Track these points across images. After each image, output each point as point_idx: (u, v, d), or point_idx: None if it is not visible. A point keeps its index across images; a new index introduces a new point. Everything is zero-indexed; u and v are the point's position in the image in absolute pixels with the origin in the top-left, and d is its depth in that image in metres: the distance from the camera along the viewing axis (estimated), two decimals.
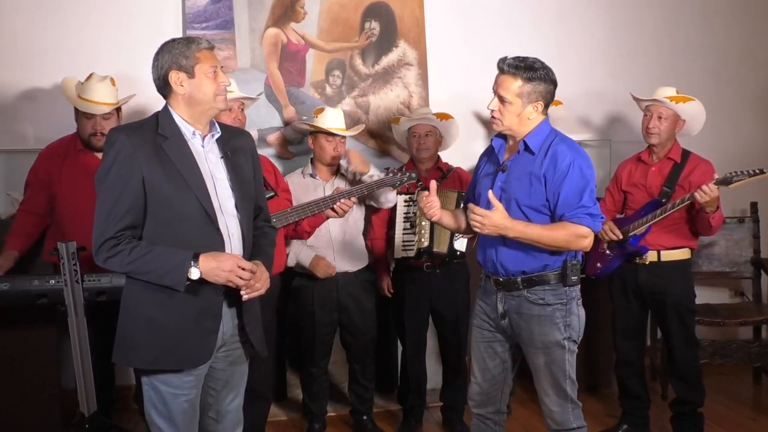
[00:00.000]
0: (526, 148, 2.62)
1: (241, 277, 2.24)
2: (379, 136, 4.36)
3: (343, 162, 3.74)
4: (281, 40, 4.22)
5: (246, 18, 4.18)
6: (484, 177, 2.76)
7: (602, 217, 2.63)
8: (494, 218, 2.52)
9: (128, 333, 2.29)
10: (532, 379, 2.74)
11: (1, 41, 3.95)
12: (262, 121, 4.19)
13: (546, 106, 2.62)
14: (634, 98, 3.70)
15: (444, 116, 3.92)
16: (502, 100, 2.58)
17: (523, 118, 2.59)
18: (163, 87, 2.31)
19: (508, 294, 2.67)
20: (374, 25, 4.35)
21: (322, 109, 3.73)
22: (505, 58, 2.58)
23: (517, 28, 4.49)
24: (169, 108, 2.33)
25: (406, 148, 4.08)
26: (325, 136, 3.62)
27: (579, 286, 2.67)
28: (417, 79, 4.40)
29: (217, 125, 2.39)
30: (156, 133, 2.26)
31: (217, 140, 2.38)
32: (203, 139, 2.34)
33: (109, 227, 2.19)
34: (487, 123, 4.49)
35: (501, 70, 2.59)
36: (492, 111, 2.62)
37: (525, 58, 2.58)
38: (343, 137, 3.67)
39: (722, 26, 4.81)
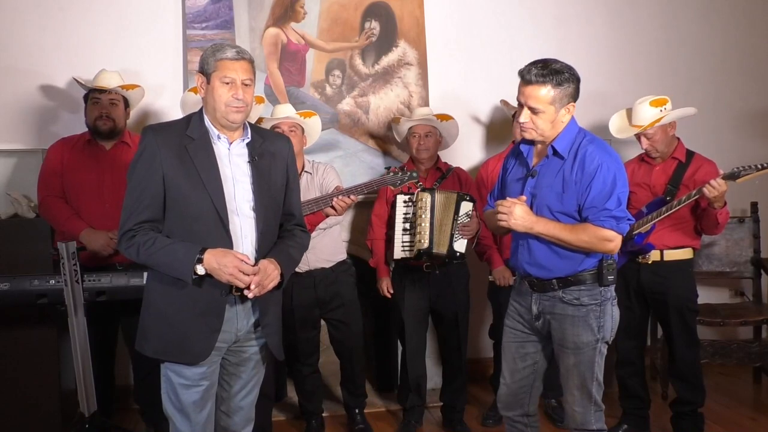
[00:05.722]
0: (555, 152, 2.58)
1: (242, 279, 2.27)
2: (379, 136, 4.35)
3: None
4: (281, 39, 4.22)
5: (246, 18, 4.18)
6: (513, 182, 2.72)
7: (630, 220, 2.57)
8: (515, 211, 2.52)
9: (144, 322, 2.41)
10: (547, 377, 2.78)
11: None
12: None
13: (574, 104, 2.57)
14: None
15: (444, 117, 3.91)
16: (533, 110, 2.52)
17: (556, 123, 2.55)
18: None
19: (543, 295, 2.64)
20: (374, 25, 4.35)
21: None
22: (530, 68, 2.50)
23: (517, 29, 4.49)
24: (203, 109, 2.42)
25: (406, 148, 4.08)
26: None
27: (614, 285, 2.64)
28: (417, 79, 4.40)
29: (249, 130, 2.44)
30: (184, 134, 2.35)
31: (247, 144, 2.42)
32: (230, 143, 2.39)
33: (130, 219, 2.32)
34: (485, 123, 4.50)
35: (527, 81, 2.49)
36: (522, 123, 2.56)
37: (547, 63, 2.50)
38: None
39: (722, 27, 4.80)
